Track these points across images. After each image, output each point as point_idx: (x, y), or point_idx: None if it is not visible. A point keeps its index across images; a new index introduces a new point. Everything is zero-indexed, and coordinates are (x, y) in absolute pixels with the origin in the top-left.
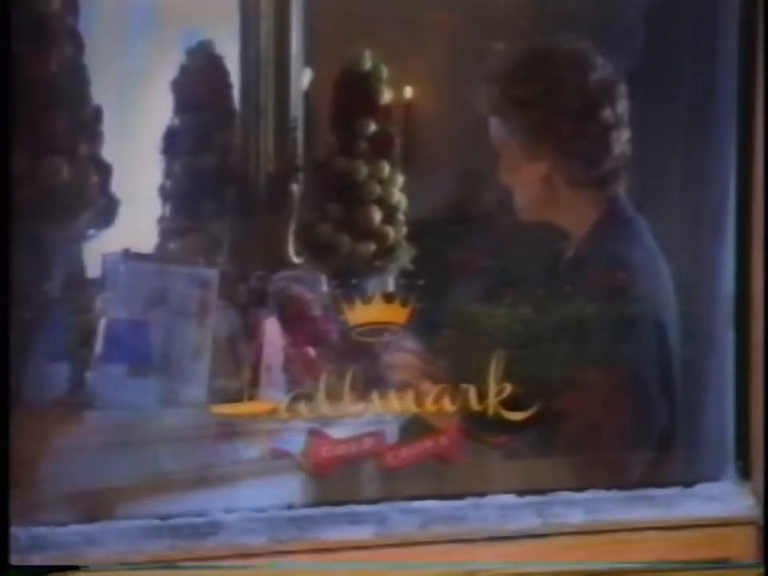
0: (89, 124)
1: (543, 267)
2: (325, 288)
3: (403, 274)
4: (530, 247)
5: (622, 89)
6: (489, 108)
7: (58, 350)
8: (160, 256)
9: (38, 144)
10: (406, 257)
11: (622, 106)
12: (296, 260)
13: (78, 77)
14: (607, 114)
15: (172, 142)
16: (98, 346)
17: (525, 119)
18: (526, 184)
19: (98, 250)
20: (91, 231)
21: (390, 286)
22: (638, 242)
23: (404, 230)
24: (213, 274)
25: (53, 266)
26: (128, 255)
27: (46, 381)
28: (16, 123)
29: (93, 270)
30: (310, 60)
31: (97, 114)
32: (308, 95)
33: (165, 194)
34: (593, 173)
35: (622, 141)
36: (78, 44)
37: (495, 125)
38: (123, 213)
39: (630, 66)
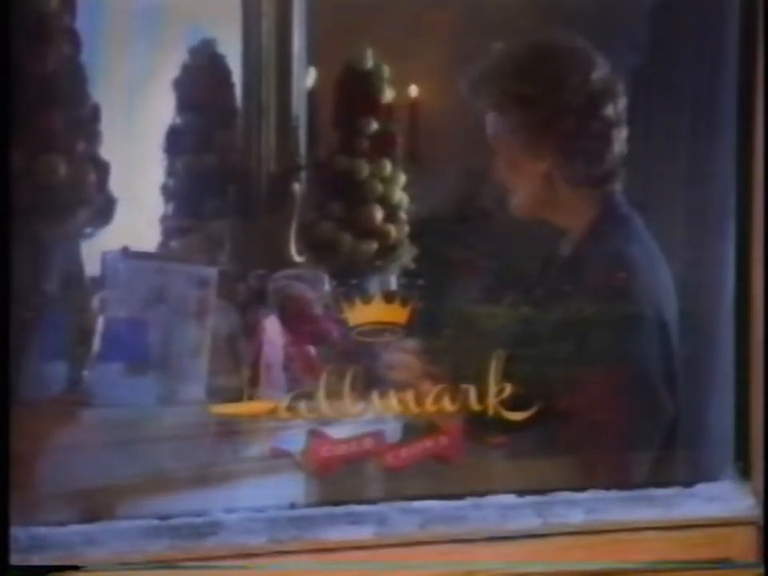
0: (87, 122)
1: (542, 266)
2: (327, 287)
3: (405, 272)
4: (529, 246)
5: (623, 87)
6: (490, 106)
7: (57, 348)
8: (159, 254)
9: (36, 142)
10: (407, 256)
11: (622, 104)
12: (298, 259)
13: (76, 75)
14: (609, 111)
15: (174, 141)
16: (97, 344)
17: (526, 117)
18: (526, 182)
19: (98, 248)
20: (89, 230)
21: (393, 284)
22: (636, 240)
23: (406, 228)
24: (212, 272)
25: (51, 265)
26: (127, 253)
27: (45, 379)
28: (14, 121)
29: (92, 268)
30: (311, 59)
31: (95, 113)
32: (310, 94)
33: (166, 192)
34: (593, 171)
35: (621, 139)
36: (76, 42)
37: (495, 123)
38: (124, 211)
39: (631, 64)
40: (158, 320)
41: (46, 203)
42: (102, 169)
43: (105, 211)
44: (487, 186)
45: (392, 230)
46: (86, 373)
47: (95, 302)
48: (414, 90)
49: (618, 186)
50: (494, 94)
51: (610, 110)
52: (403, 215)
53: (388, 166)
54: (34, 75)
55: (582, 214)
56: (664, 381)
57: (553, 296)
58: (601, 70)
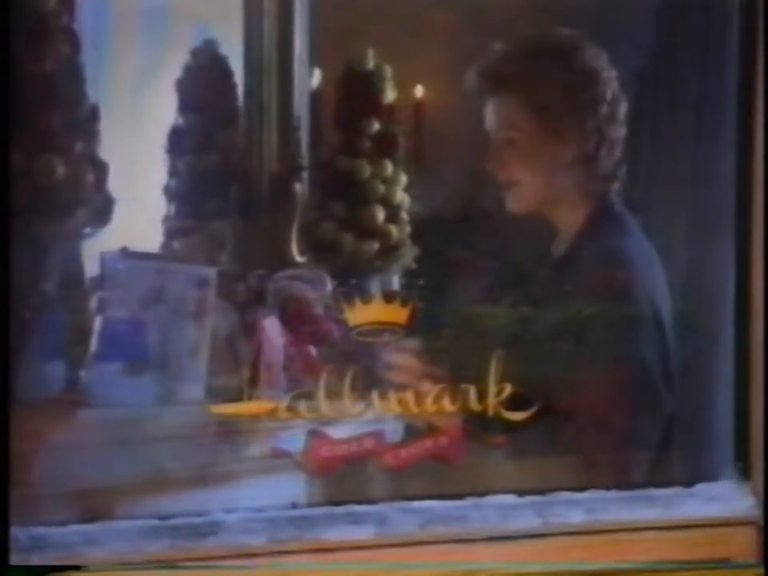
0: (85, 122)
1: (538, 265)
2: (329, 287)
3: (406, 273)
4: (530, 246)
5: (627, 87)
6: (496, 102)
7: (57, 348)
8: (158, 254)
9: (35, 142)
10: (409, 256)
11: (624, 104)
12: (299, 259)
13: (75, 75)
14: (613, 111)
15: (176, 141)
16: (96, 344)
17: (531, 114)
18: (533, 175)
19: (98, 248)
20: (87, 230)
21: (394, 285)
22: (631, 238)
23: (407, 229)
24: (211, 272)
25: (51, 265)
26: (126, 253)
27: (45, 379)
28: (13, 121)
29: (91, 268)
30: (313, 59)
31: (94, 113)
32: (311, 94)
33: (168, 193)
34: (596, 169)
35: (622, 138)
36: (76, 42)
37: (501, 120)
38: (125, 211)
39: (633, 64)
40: (157, 320)
41: (45, 203)
42: (101, 169)
43: (104, 211)
44: (489, 186)
45: (393, 230)
46: (85, 373)
47: (94, 302)
48: (415, 91)
49: (616, 185)
50: (499, 89)
51: (615, 109)
52: (404, 215)
53: (389, 167)
54: (34, 75)
55: (579, 211)
56: (663, 380)
57: (552, 295)
58: (607, 70)
